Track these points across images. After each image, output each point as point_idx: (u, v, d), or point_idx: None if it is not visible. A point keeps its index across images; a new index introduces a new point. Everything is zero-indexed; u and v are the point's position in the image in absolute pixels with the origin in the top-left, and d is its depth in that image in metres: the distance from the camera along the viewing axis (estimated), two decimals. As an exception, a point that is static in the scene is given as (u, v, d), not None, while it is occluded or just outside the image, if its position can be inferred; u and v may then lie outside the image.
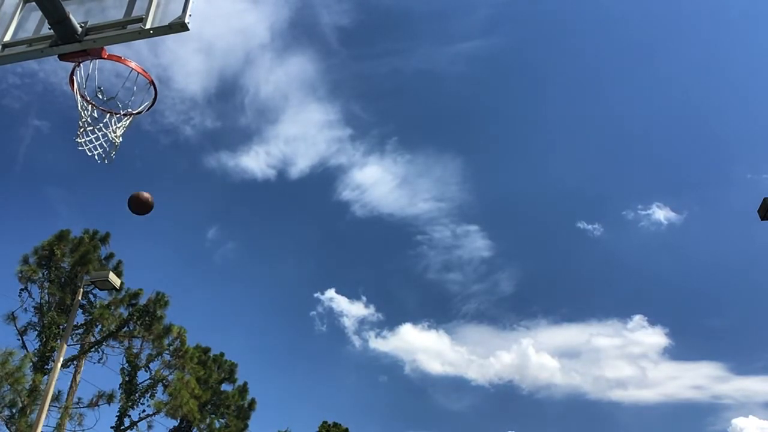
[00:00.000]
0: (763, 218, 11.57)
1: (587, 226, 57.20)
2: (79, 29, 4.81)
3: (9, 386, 16.72)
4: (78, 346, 19.67)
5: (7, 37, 5.15)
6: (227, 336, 51.42)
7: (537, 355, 52.07)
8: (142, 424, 20.03)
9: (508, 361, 52.85)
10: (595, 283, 61.99)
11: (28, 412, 17.04)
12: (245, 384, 25.67)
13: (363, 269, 64.69)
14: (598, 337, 54.37)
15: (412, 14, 61.42)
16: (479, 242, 60.94)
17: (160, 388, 20.39)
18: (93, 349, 19.83)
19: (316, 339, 53.27)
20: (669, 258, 59.66)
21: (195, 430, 22.90)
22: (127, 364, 20.05)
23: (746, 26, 58.79)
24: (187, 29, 4.65)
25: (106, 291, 18.37)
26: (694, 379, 55.71)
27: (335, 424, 33.60)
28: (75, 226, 29.57)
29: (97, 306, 19.84)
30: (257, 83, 60.67)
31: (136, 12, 4.82)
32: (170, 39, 5.18)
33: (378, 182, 62.91)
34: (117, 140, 5.62)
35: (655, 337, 52.10)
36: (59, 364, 14.89)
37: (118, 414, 19.66)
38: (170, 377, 20.65)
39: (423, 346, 53.49)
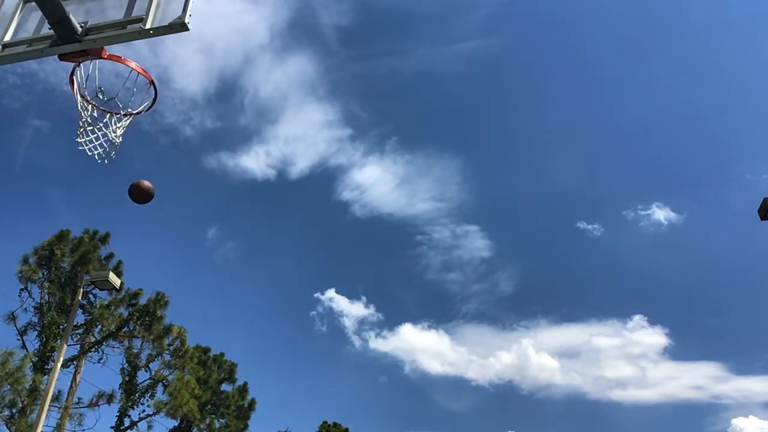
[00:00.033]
0: (763, 218, 11.57)
1: (587, 226, 57.23)
2: (79, 29, 4.81)
3: (9, 386, 16.72)
4: (78, 346, 19.68)
5: (7, 37, 5.15)
6: (227, 336, 51.48)
7: (537, 355, 52.10)
8: (142, 424, 20.06)
9: (508, 361, 52.87)
10: (595, 283, 62.04)
11: (28, 412, 17.04)
12: (245, 384, 25.70)
13: (363, 269, 64.74)
14: (598, 337, 54.41)
15: (411, 14, 61.46)
16: (479, 242, 60.97)
17: (160, 388, 20.41)
18: (93, 349, 19.84)
19: (316, 339, 53.30)
20: (669, 258, 59.71)
21: (195, 430, 22.90)
22: (127, 364, 20.05)
23: (746, 26, 58.82)
24: (187, 29, 4.65)
25: (106, 291, 18.37)
26: (694, 379, 55.76)
27: (335, 424, 33.60)
28: (75, 226, 29.55)
29: (97, 306, 19.84)
30: (257, 83, 60.70)
31: (136, 12, 4.82)
32: (170, 39, 5.18)
33: (378, 182, 62.95)
34: (117, 140, 5.62)
35: (655, 337, 52.13)
36: (59, 364, 14.89)
37: (118, 414, 19.67)
38: (170, 377, 20.66)
39: (423, 346, 53.52)
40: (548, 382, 51.39)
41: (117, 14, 4.90)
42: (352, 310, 55.24)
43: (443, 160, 64.96)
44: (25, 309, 18.84)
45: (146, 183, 5.85)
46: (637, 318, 51.70)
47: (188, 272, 55.96)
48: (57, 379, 14.75)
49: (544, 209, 63.17)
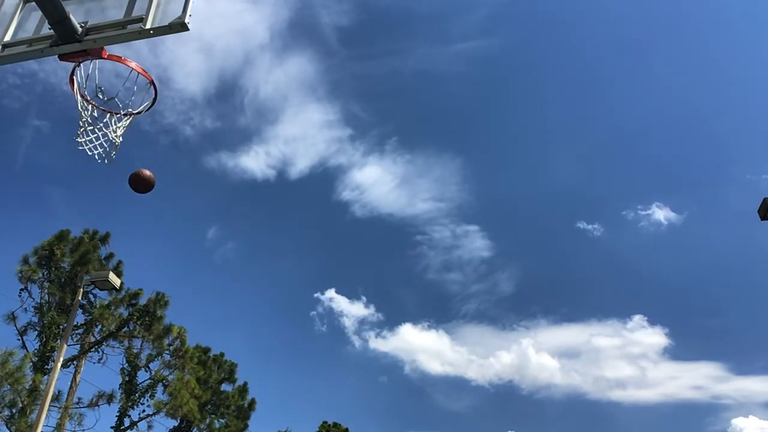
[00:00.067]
0: (763, 218, 11.57)
1: (587, 226, 57.24)
2: (79, 29, 4.81)
3: (9, 386, 16.72)
4: (78, 346, 19.68)
5: (7, 37, 5.15)
6: (227, 336, 51.48)
7: (537, 355, 52.11)
8: (142, 424, 20.06)
9: (508, 361, 52.87)
10: (595, 283, 62.05)
11: (28, 412, 17.04)
12: (245, 384, 25.70)
13: (363, 269, 64.76)
14: (598, 337, 54.41)
15: (411, 14, 61.46)
16: (479, 242, 60.97)
17: (160, 388, 20.41)
18: (93, 349, 19.83)
19: (316, 339, 53.30)
20: (669, 258, 59.72)
21: (195, 430, 22.90)
22: (127, 364, 20.05)
23: (746, 26, 58.82)
24: (187, 29, 4.65)
25: (106, 291, 18.37)
26: (694, 379, 55.75)
27: (335, 424, 33.60)
28: (75, 226, 29.56)
29: (97, 306, 19.84)
30: (257, 83, 60.70)
31: (136, 12, 4.82)
32: (170, 39, 5.18)
33: (378, 182, 62.95)
34: (117, 140, 5.61)
35: (654, 337, 52.13)
36: (59, 364, 14.89)
37: (118, 414, 19.67)
38: (170, 377, 20.66)
39: (423, 346, 53.52)
40: (548, 382, 51.42)
41: (117, 14, 4.90)
42: (352, 310, 55.26)
43: (443, 160, 65.01)
44: (25, 309, 18.87)
45: (147, 172, 5.82)
46: (637, 318, 51.74)
47: (188, 272, 56.00)
48: (57, 379, 14.76)
49: (544, 209, 63.22)
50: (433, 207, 62.66)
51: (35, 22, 5.19)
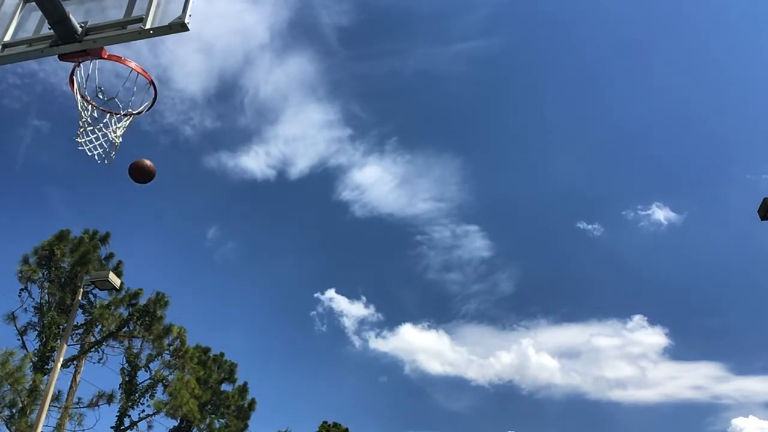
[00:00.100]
0: (763, 218, 11.56)
1: (587, 226, 57.25)
2: (79, 29, 4.81)
3: (9, 386, 16.72)
4: (78, 346, 19.68)
5: (7, 37, 5.15)
6: (227, 336, 51.46)
7: (537, 355, 52.11)
8: (142, 424, 20.06)
9: (508, 361, 52.87)
10: (595, 283, 62.06)
11: (28, 412, 17.04)
12: (245, 384, 25.70)
13: (363, 269, 64.77)
14: (598, 337, 54.41)
15: (411, 14, 61.46)
16: (479, 242, 60.98)
17: (160, 388, 20.41)
18: (93, 349, 19.83)
19: (316, 339, 53.31)
20: (669, 258, 59.72)
21: (195, 430, 22.90)
22: (127, 364, 20.05)
23: (746, 26, 58.82)
24: (187, 29, 4.65)
25: (106, 291, 18.37)
26: (694, 379, 55.75)
27: (335, 424, 33.60)
28: (75, 226, 29.55)
29: (97, 306, 19.84)
30: (257, 83, 60.70)
31: (136, 12, 4.82)
32: (170, 39, 5.18)
33: (377, 182, 62.95)
34: (117, 140, 5.61)
35: (655, 337, 52.15)
36: (59, 364, 14.89)
37: (118, 414, 19.67)
38: (170, 377, 20.65)
39: (423, 346, 53.53)
40: (548, 382, 51.43)
41: (117, 14, 4.90)
42: (352, 310, 55.26)
43: (443, 160, 65.02)
44: (25, 309, 18.86)
45: (147, 162, 5.80)
46: (637, 318, 51.75)
47: (188, 272, 56.01)
48: (57, 379, 14.76)
49: (544, 209, 63.23)
50: (433, 207, 62.71)
51: (35, 22, 5.19)
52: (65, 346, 15.61)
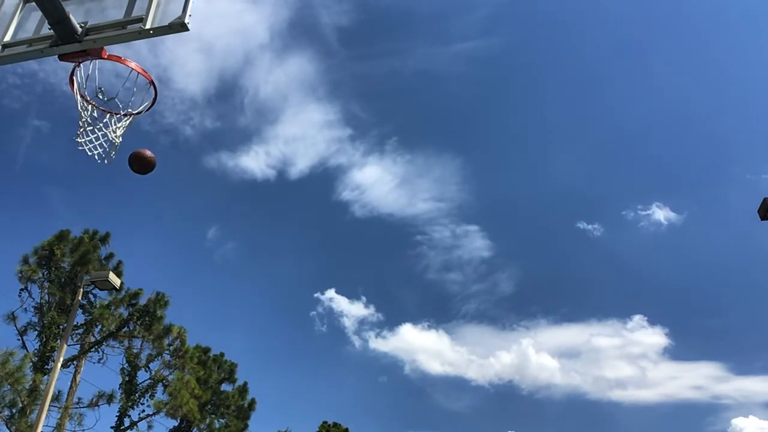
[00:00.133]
0: (763, 218, 11.56)
1: (587, 226, 57.26)
2: (79, 29, 4.81)
3: (9, 386, 16.72)
4: (78, 346, 19.68)
5: (7, 37, 5.15)
6: (227, 336, 51.48)
7: (537, 355, 52.11)
8: (142, 424, 20.06)
9: (508, 361, 52.87)
10: (595, 283, 62.07)
11: (28, 412, 17.04)
12: (245, 384, 25.70)
13: (363, 269, 64.78)
14: (598, 337, 54.42)
15: (411, 14, 61.47)
16: (479, 242, 60.98)
17: (160, 388, 20.41)
18: (93, 349, 19.83)
19: (316, 339, 53.31)
20: (669, 258, 59.73)
21: (195, 430, 22.90)
22: (127, 364, 20.05)
23: (746, 26, 58.83)
24: (187, 29, 4.64)
25: (106, 291, 18.37)
26: (694, 379, 55.75)
27: (335, 424, 33.60)
28: (75, 226, 29.56)
29: (97, 306, 19.84)
30: (257, 83, 60.71)
31: (136, 12, 4.82)
32: (170, 39, 5.18)
33: (377, 182, 62.96)
34: (117, 140, 5.61)
35: (655, 337, 52.15)
36: (59, 364, 14.89)
37: (118, 414, 19.67)
38: (170, 377, 20.65)
39: (423, 346, 53.53)
40: (548, 382, 51.43)
41: (117, 14, 4.90)
42: (352, 310, 55.26)
43: (443, 160, 65.02)
44: (25, 309, 18.86)
45: (148, 152, 5.79)
46: (637, 318, 51.75)
47: (188, 272, 56.01)
48: (57, 379, 14.76)
49: (544, 209, 63.23)
50: (433, 207, 62.72)
51: (35, 22, 5.19)
52: (65, 346, 15.62)
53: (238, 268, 59.33)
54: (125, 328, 20.16)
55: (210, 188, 59.96)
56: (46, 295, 18.98)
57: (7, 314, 18.63)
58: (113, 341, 19.98)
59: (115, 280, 15.78)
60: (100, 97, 5.63)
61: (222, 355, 25.37)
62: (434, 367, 52.43)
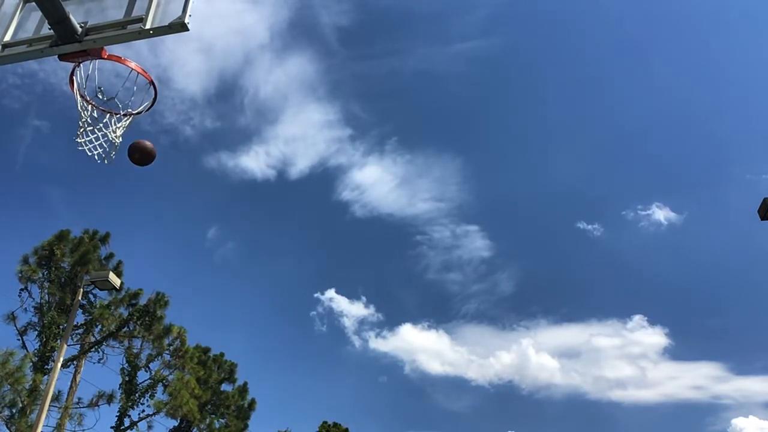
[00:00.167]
0: (763, 218, 11.56)
1: (587, 226, 57.26)
2: (79, 29, 4.81)
3: (9, 386, 16.72)
4: (78, 346, 19.68)
5: (7, 37, 5.15)
6: (227, 336, 51.48)
7: (537, 355, 52.12)
8: (142, 424, 20.06)
9: (508, 361, 52.88)
10: (595, 283, 62.07)
11: (28, 412, 17.04)
12: (245, 384, 25.70)
13: (363, 269, 64.79)
14: (598, 337, 54.42)
15: (411, 14, 61.47)
16: (479, 242, 60.99)
17: (160, 388, 20.41)
18: (93, 349, 19.83)
19: (316, 339, 53.33)
20: (669, 258, 59.73)
21: (195, 430, 22.90)
22: (127, 364, 20.05)
23: (745, 26, 58.83)
24: (187, 29, 4.64)
25: (106, 291, 18.37)
26: (694, 379, 55.75)
27: (335, 424, 33.60)
28: (75, 226, 29.56)
29: (97, 306, 19.84)
30: (257, 83, 60.72)
31: (136, 12, 4.82)
32: (170, 39, 5.18)
33: (377, 182, 62.97)
34: (117, 140, 5.61)
35: (655, 337, 52.15)
36: (59, 364, 14.89)
37: (118, 414, 19.67)
38: (170, 377, 20.65)
39: (423, 346, 53.54)
40: (548, 382, 51.43)
41: (117, 14, 4.90)
42: (352, 310, 55.27)
43: (443, 160, 65.03)
44: (25, 309, 18.86)
45: (148, 143, 5.78)
46: (637, 318, 51.76)
47: (188, 272, 56.01)
48: (57, 379, 14.76)
49: (544, 209, 63.24)
50: (433, 207, 62.73)
51: (35, 22, 5.19)
52: (65, 346, 15.62)
53: (238, 268, 59.40)
54: (125, 328, 20.16)
55: (210, 188, 60.02)
56: (46, 295, 18.98)
57: (7, 314, 18.66)
58: (113, 341, 19.98)
59: (115, 280, 15.78)
60: (100, 97, 5.63)
61: (222, 355, 25.39)
62: (434, 367, 52.48)
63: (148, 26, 4.69)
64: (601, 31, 61.76)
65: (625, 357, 52.95)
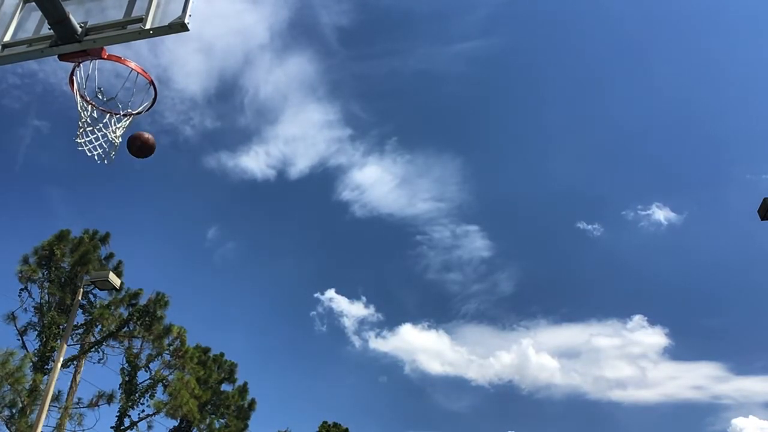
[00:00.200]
0: (763, 218, 11.56)
1: (587, 226, 57.26)
2: (79, 29, 4.81)
3: (9, 386, 16.72)
4: (78, 346, 19.68)
5: (7, 37, 5.15)
6: (227, 336, 51.45)
7: (537, 355, 52.12)
8: (142, 424, 20.05)
9: (508, 361, 52.88)
10: (595, 283, 62.06)
11: (28, 412, 17.04)
12: (245, 384, 25.68)
13: (363, 269, 64.80)
14: (598, 337, 54.42)
15: (411, 14, 61.48)
16: (479, 242, 60.99)
17: (160, 388, 20.40)
18: (93, 349, 19.83)
19: (316, 339, 53.33)
20: (669, 258, 59.73)
21: (195, 430, 22.90)
22: (127, 364, 20.05)
23: (745, 26, 58.82)
24: (187, 29, 4.64)
25: (106, 291, 18.37)
26: (694, 379, 55.75)
27: (335, 424, 33.61)
28: (75, 226, 29.58)
29: (97, 306, 19.84)
30: (257, 83, 60.73)
31: (136, 12, 4.82)
32: (170, 39, 5.18)
33: (377, 182, 62.97)
34: (117, 140, 5.61)
35: (654, 337, 52.15)
36: (59, 364, 14.88)
37: (118, 414, 19.67)
38: (170, 377, 20.65)
39: (423, 346, 53.54)
40: (548, 382, 51.43)
41: (117, 14, 4.90)
42: (352, 310, 55.26)
43: (443, 160, 65.03)
44: (25, 309, 18.86)
45: (147, 135, 5.77)
46: (637, 318, 51.75)
47: (188, 272, 56.02)
48: (57, 379, 14.76)
49: (544, 209, 63.24)
50: (433, 207, 62.73)
51: (35, 22, 5.19)
52: (65, 346, 15.61)
53: (238, 268, 59.40)
54: (125, 328, 20.15)
55: (210, 188, 60.02)
56: (46, 295, 18.98)
57: (7, 314, 18.66)
58: (113, 341, 19.98)
59: (115, 280, 15.78)
60: (100, 97, 5.63)
61: (222, 355, 25.38)
62: (434, 367, 52.48)
63: (148, 26, 4.69)
64: (601, 31, 61.81)
65: (625, 357, 52.98)
